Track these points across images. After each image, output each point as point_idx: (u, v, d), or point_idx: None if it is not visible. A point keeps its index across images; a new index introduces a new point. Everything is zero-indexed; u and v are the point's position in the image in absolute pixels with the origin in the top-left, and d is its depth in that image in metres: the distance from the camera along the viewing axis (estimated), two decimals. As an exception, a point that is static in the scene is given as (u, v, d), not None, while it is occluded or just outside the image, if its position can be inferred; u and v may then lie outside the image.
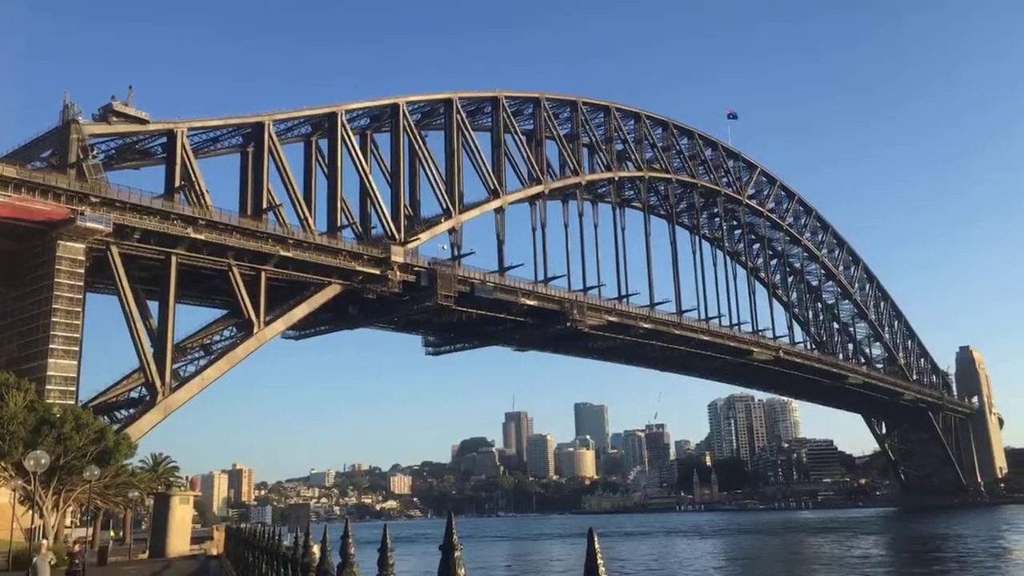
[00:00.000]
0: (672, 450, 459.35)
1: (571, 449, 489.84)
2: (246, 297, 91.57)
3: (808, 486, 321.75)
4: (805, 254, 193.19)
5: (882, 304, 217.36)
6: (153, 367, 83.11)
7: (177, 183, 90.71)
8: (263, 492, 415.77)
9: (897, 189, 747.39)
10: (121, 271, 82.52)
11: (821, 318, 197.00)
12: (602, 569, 4.12)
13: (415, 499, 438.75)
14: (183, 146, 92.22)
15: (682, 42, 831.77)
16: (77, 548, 30.84)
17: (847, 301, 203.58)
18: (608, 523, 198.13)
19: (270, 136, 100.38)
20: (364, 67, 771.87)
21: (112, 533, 71.81)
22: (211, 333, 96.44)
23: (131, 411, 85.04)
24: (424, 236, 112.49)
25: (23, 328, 78.45)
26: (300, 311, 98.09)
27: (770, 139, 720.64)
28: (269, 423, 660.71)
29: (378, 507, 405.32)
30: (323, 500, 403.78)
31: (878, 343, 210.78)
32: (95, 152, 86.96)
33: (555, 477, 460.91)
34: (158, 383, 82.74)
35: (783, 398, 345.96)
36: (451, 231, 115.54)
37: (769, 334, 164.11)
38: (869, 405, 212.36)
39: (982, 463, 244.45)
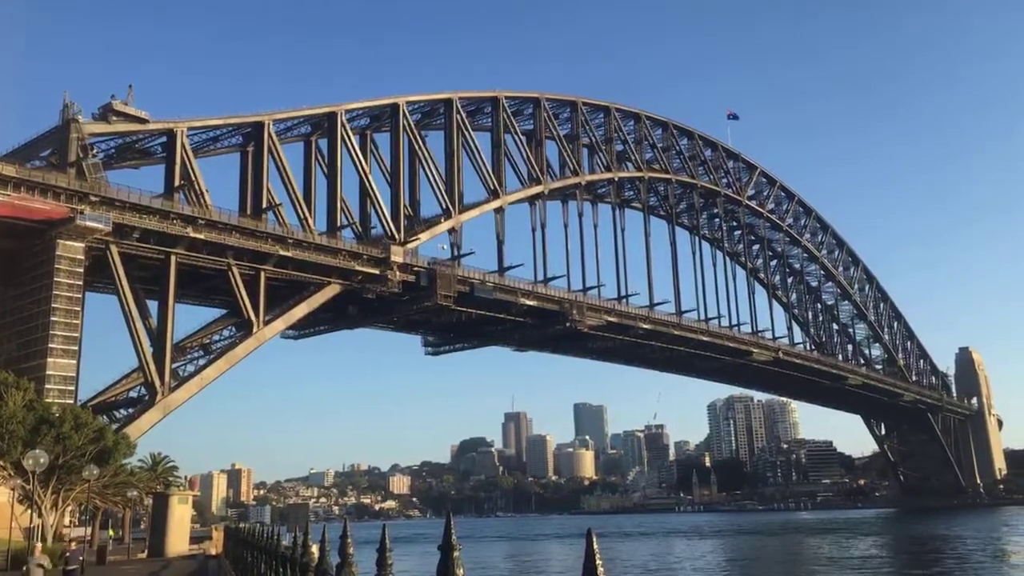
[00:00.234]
0: (671, 451, 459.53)
1: (570, 449, 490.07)
2: (245, 297, 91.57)
3: (807, 487, 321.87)
4: (805, 255, 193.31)
5: (881, 305, 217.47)
6: (152, 367, 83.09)
7: (177, 182, 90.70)
8: (262, 492, 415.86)
9: (897, 189, 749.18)
10: (120, 270, 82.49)
11: (821, 319, 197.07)
12: (601, 570, 4.12)
13: (414, 499, 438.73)
14: (183, 145, 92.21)
15: (682, 42, 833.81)
16: (73, 547, 30.75)
17: (847, 302, 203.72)
18: (607, 523, 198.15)
19: (270, 136, 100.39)
20: (364, 67, 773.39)
21: (111, 532, 71.75)
22: (210, 333, 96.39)
23: (130, 410, 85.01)
24: (424, 236, 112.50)
25: (22, 327, 78.41)
26: (299, 311, 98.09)
27: (770, 139, 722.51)
28: (268, 423, 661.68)
29: (377, 507, 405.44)
30: (322, 500, 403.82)
31: (877, 344, 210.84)
32: (95, 151, 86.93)
33: (554, 477, 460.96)
34: (157, 383, 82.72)
35: (782, 399, 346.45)
36: (451, 231, 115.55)
37: (768, 335, 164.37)
38: (868, 406, 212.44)
39: (981, 464, 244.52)
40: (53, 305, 76.15)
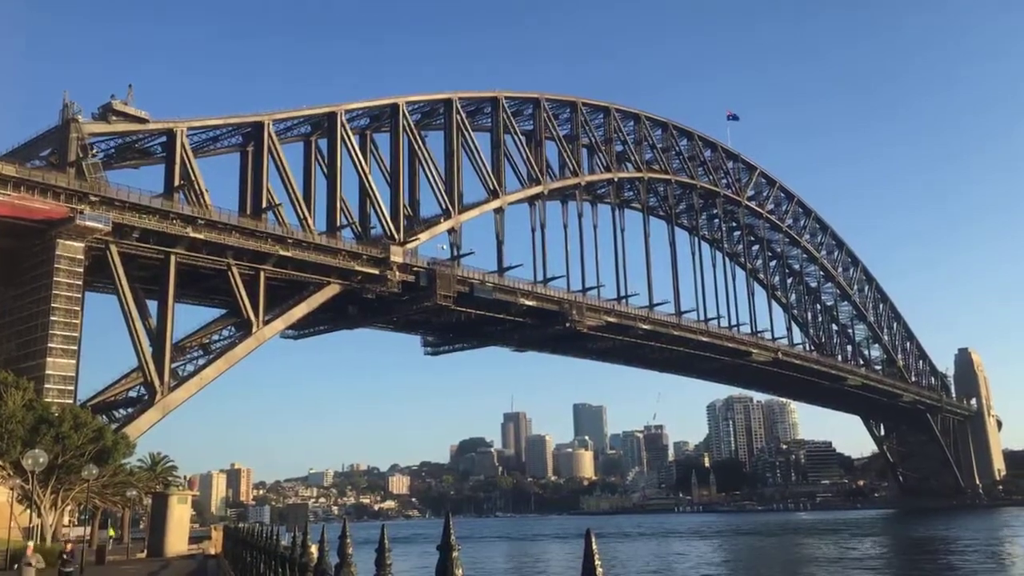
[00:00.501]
0: (671, 451, 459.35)
1: (570, 450, 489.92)
2: (245, 297, 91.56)
3: (806, 487, 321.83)
4: (804, 255, 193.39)
5: (881, 306, 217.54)
6: (152, 366, 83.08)
7: (176, 182, 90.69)
8: (261, 492, 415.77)
9: (897, 189, 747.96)
10: (120, 270, 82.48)
11: (820, 319, 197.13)
12: (600, 570, 4.12)
13: (413, 499, 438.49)
14: (183, 145, 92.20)
15: (682, 42, 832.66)
16: (70, 547, 30.70)
17: (846, 302, 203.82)
18: (606, 524, 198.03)
19: (270, 136, 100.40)
20: (364, 67, 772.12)
21: (111, 532, 71.75)
22: (210, 332, 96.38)
23: (129, 410, 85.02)
24: (423, 236, 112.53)
25: (22, 327, 78.40)
26: (299, 311, 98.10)
27: (770, 139, 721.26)
28: (268, 423, 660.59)
29: (376, 507, 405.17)
30: (321, 500, 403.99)
31: (877, 345, 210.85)
32: (94, 151, 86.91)
33: (553, 478, 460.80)
34: (157, 382, 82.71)
35: (782, 399, 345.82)
36: (450, 231, 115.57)
37: (768, 335, 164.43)
38: (868, 407, 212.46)
39: (980, 465, 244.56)
40: (53, 305, 76.13)
